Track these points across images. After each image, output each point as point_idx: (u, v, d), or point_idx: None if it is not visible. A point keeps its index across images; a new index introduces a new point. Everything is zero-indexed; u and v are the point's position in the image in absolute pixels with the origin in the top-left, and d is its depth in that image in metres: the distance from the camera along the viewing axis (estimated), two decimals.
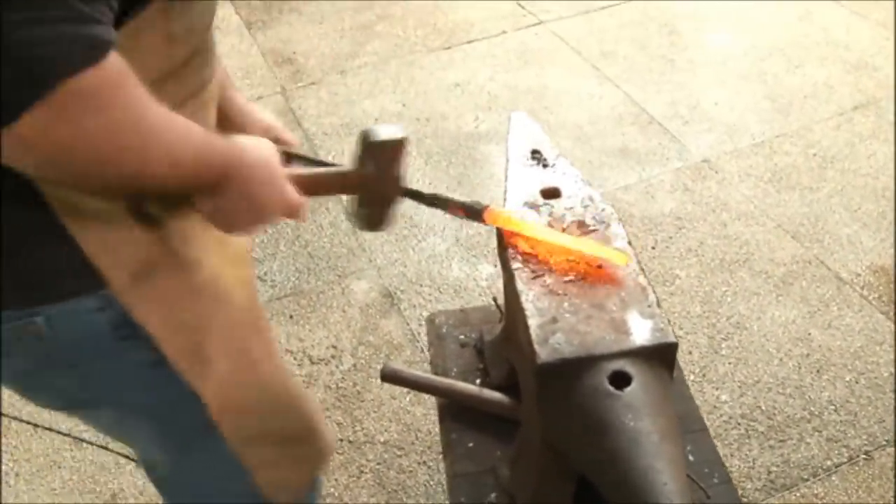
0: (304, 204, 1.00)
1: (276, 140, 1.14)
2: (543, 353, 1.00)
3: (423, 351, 2.29)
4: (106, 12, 0.71)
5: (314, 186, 1.05)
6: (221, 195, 0.90)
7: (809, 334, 2.30)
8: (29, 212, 0.85)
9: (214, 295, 1.01)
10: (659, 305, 1.07)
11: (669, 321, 1.05)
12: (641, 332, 1.02)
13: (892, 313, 2.34)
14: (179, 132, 0.81)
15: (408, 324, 2.39)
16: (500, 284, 2.49)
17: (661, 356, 1.02)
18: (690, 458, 1.34)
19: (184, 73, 0.91)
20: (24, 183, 0.82)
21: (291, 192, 0.98)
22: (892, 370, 2.19)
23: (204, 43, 0.96)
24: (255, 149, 0.94)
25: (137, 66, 0.74)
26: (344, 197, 1.28)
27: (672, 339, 1.02)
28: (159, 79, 0.84)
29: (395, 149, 1.07)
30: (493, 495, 1.31)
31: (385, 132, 1.06)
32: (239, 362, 1.06)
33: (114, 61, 0.70)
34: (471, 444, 1.40)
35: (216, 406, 1.05)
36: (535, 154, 1.34)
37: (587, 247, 1.13)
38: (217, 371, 1.02)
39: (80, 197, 0.85)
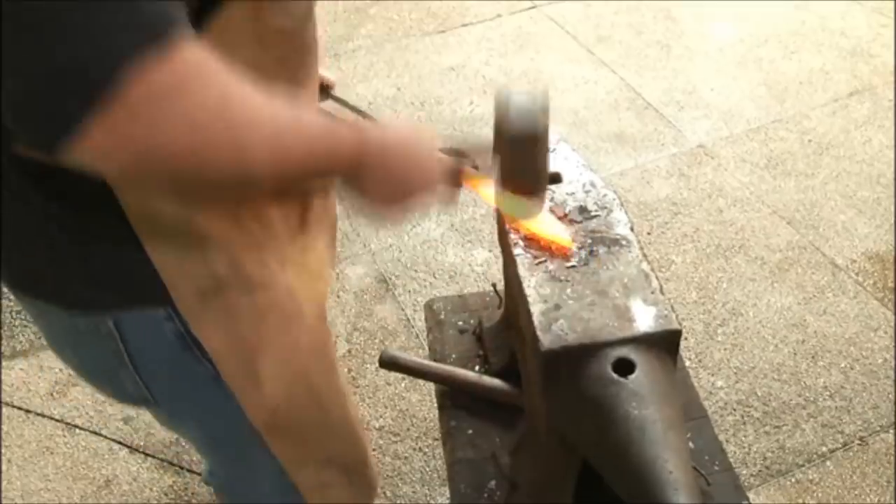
0: (450, 189, 0.94)
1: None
2: (547, 341, 0.99)
3: (417, 337, 2.28)
4: None
5: (463, 176, 0.96)
6: (360, 183, 0.84)
7: (805, 321, 2.31)
8: (107, 220, 0.82)
9: (281, 316, 0.98)
10: (662, 292, 1.06)
11: (672, 307, 1.04)
12: (645, 319, 1.01)
13: (886, 300, 2.35)
14: (283, 122, 0.72)
15: (402, 309, 2.38)
16: (495, 269, 2.49)
17: (665, 343, 1.01)
18: (691, 445, 1.34)
19: (275, 77, 0.79)
20: (105, 192, 0.78)
21: (435, 172, 0.90)
22: (887, 356, 2.20)
23: (299, 42, 0.88)
24: (396, 130, 0.87)
25: None
26: None
27: (676, 325, 1.01)
28: None
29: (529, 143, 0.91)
30: (492, 482, 1.31)
31: (519, 122, 0.90)
32: (294, 386, 1.03)
33: (186, 49, 0.61)
34: (470, 431, 1.39)
35: (265, 426, 1.03)
36: None
37: (539, 227, 1.12)
38: (268, 393, 1.00)
39: (157, 212, 0.81)
